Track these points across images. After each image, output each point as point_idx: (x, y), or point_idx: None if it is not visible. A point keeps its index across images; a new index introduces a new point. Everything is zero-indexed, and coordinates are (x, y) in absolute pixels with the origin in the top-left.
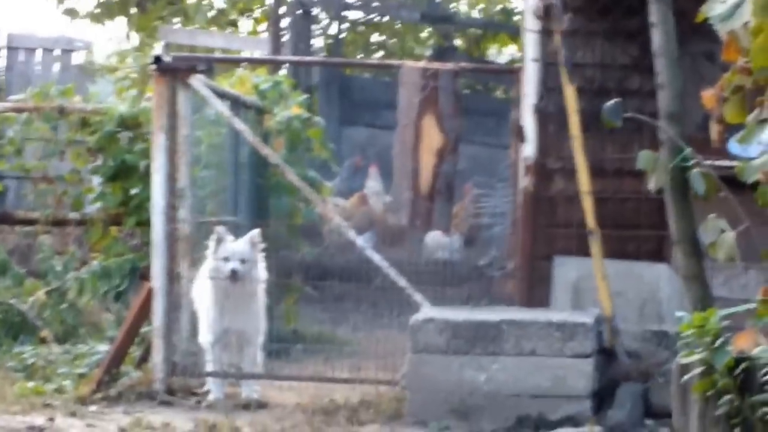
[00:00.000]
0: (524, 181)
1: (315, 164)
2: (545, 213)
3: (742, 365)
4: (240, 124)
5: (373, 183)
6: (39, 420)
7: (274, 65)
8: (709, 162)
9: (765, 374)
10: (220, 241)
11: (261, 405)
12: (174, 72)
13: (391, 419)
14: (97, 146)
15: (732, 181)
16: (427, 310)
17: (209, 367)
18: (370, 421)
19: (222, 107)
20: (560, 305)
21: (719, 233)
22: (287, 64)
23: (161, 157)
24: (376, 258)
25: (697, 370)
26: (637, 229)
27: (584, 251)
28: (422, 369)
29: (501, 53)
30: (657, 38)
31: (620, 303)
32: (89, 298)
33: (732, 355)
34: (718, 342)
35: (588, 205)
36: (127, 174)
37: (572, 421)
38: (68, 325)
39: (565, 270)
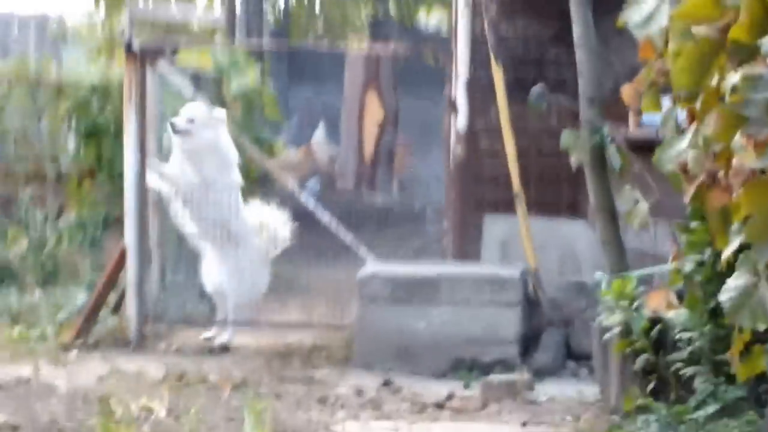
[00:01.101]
0: (456, 149)
1: (269, 124)
2: (475, 177)
3: (657, 327)
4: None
5: (319, 135)
6: (25, 371)
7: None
8: (623, 131)
9: (677, 334)
10: None
11: (225, 349)
12: (143, 56)
13: (341, 363)
14: (71, 110)
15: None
16: (372, 265)
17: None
18: (322, 365)
19: (185, 84)
20: (490, 259)
21: (634, 203)
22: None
23: (133, 129)
24: (325, 216)
25: (617, 330)
26: (557, 187)
27: (511, 210)
28: (368, 318)
29: (429, 17)
30: (576, 32)
31: (542, 256)
32: (67, 246)
33: (646, 317)
34: (635, 305)
35: (514, 172)
36: (98, 134)
37: (502, 363)
38: (48, 271)
39: (494, 227)
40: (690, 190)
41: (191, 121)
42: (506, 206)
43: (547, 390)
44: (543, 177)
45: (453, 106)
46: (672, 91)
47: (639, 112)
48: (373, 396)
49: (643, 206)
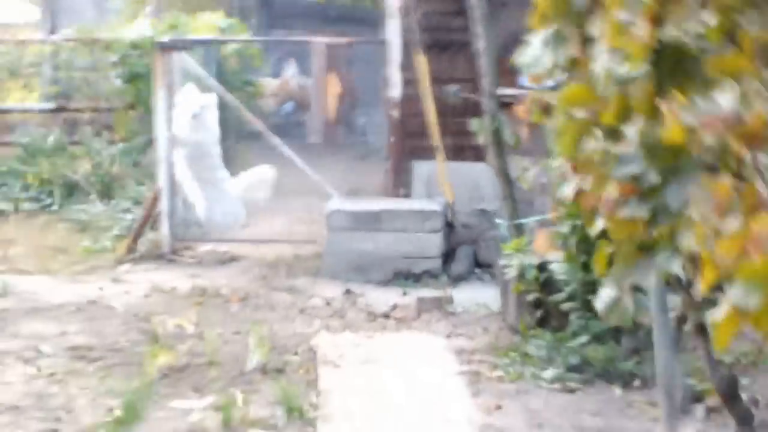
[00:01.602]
0: (393, 112)
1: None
2: (407, 133)
3: (544, 274)
4: (209, 79)
5: (291, 71)
6: (92, 290)
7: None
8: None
9: (558, 279)
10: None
11: (233, 258)
12: (169, 49)
13: (314, 274)
14: (117, 61)
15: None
16: (336, 202)
17: None
18: (300, 275)
19: (200, 71)
20: (418, 192)
21: (523, 170)
22: None
23: (162, 102)
24: (295, 158)
25: (514, 274)
26: (464, 139)
27: (433, 156)
28: (333, 241)
29: None
30: (481, 45)
31: (456, 190)
32: (118, 166)
33: (535, 265)
34: (527, 255)
35: (434, 129)
36: (137, 78)
37: (429, 273)
38: (105, 186)
39: (420, 169)
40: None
41: (202, 107)
42: (429, 154)
43: (462, 296)
44: (455, 132)
45: (388, 81)
46: None
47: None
48: (339, 307)
49: (531, 173)
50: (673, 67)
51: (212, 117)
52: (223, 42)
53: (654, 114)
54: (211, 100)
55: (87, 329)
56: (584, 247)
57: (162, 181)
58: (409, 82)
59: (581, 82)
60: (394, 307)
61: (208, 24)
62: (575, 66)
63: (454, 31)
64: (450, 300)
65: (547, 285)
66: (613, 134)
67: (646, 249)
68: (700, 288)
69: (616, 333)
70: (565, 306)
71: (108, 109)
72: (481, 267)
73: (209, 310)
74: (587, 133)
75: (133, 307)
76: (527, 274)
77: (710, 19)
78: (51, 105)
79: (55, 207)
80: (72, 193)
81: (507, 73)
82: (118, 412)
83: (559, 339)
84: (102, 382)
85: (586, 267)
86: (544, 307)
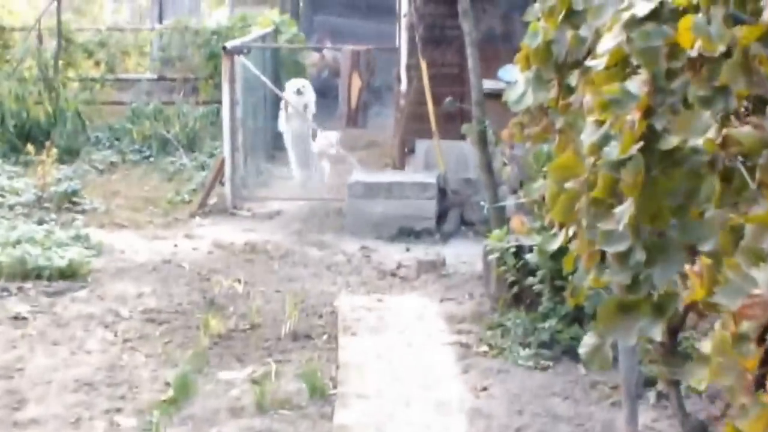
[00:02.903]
0: (400, 103)
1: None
2: (411, 118)
3: (521, 261)
4: (262, 77)
5: (327, 47)
6: (168, 247)
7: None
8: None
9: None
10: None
11: (278, 212)
12: (232, 52)
13: (338, 230)
14: (201, 44)
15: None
16: (356, 174)
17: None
18: (328, 230)
19: (255, 71)
20: (418, 163)
21: (503, 165)
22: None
23: (227, 94)
24: (332, 136)
25: (495, 257)
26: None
27: (431, 136)
28: (353, 205)
29: None
30: (470, 63)
31: (448, 160)
32: (200, 125)
33: (513, 251)
34: (507, 246)
35: (432, 118)
36: (215, 57)
37: (426, 230)
38: (191, 141)
39: (421, 146)
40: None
41: (303, 86)
42: (428, 134)
43: (452, 252)
44: (448, 118)
45: (398, 78)
46: None
47: (511, 146)
48: (356, 264)
49: (508, 169)
50: (663, 156)
51: (309, 96)
52: (274, 47)
53: (641, 195)
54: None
55: (159, 291)
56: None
57: (226, 151)
58: (413, 79)
59: (565, 144)
60: (399, 266)
61: (266, 19)
62: (556, 107)
63: (447, 29)
64: (443, 263)
65: (522, 268)
66: (602, 204)
67: (627, 309)
68: None
69: (581, 315)
70: (537, 288)
71: (195, 78)
72: (467, 225)
73: (256, 267)
74: (577, 200)
75: (198, 266)
76: (506, 260)
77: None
78: (154, 76)
79: (152, 159)
80: (166, 147)
81: (490, 60)
82: (171, 391)
83: (532, 319)
84: (164, 349)
85: (554, 257)
86: (520, 286)
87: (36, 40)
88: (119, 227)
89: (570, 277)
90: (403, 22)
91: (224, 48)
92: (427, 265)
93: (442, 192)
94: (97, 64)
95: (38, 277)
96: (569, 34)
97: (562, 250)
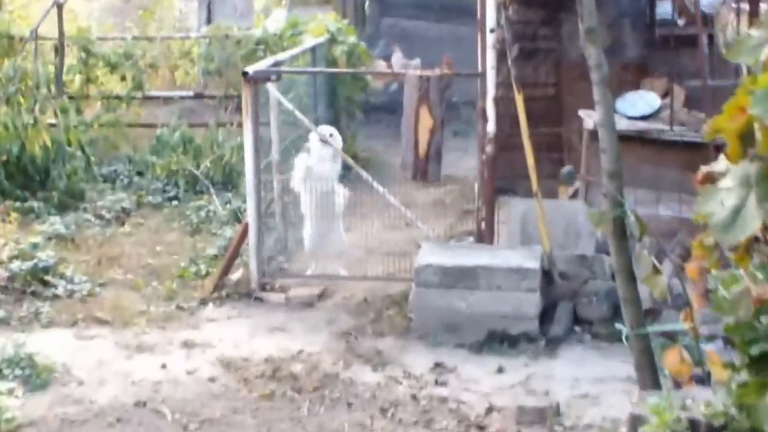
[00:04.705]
0: (488, 149)
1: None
2: (504, 167)
3: None
4: (290, 106)
5: (396, 55)
6: (151, 370)
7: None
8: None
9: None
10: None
11: (320, 296)
12: (255, 79)
13: (401, 334)
14: (245, 55)
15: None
16: (426, 251)
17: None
18: (388, 331)
19: (286, 102)
20: (513, 231)
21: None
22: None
23: (250, 137)
24: (391, 198)
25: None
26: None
27: (528, 194)
28: (423, 299)
29: None
30: (599, 113)
31: (551, 227)
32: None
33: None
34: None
35: (533, 175)
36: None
37: (525, 335)
38: (227, 177)
39: (516, 208)
40: None
41: (331, 134)
42: (525, 190)
43: (566, 374)
44: (550, 174)
45: (482, 114)
46: None
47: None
48: (425, 405)
49: (662, 279)
50: None
51: (336, 151)
52: (315, 73)
53: None
54: (335, 133)
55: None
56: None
57: (251, 214)
58: (503, 117)
59: None
60: (489, 410)
61: (319, 26)
62: None
63: (539, 39)
64: (556, 410)
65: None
66: None
67: None
68: None
69: None
70: None
71: (238, 96)
72: (581, 323)
73: (275, 413)
74: None
75: (187, 412)
76: None
77: None
78: (190, 93)
79: (176, 201)
80: (196, 185)
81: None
82: None
83: None
84: None
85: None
86: None
87: (33, 54)
88: (97, 324)
89: None
90: (489, 37)
91: (244, 74)
92: (532, 414)
93: (547, 277)
94: (123, 79)
95: None
96: None
97: None
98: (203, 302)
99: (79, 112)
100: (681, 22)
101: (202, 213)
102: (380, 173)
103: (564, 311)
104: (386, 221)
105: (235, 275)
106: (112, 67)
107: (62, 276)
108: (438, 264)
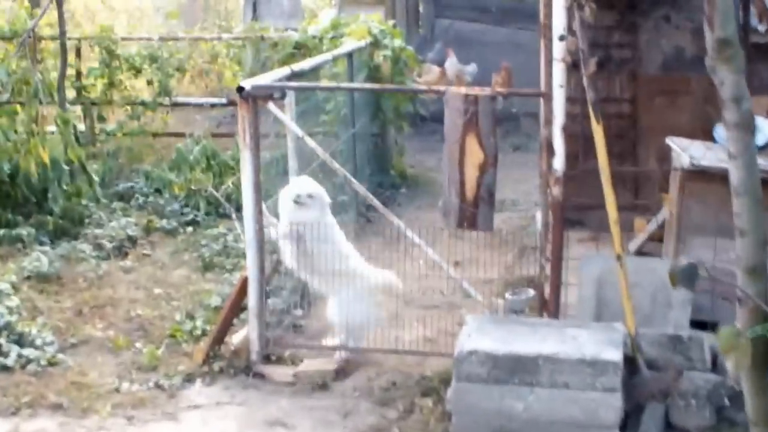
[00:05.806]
0: (554, 190)
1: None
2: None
3: None
4: (300, 131)
5: (450, 61)
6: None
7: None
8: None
9: None
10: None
11: (336, 376)
12: (253, 97)
13: None
14: (283, 59)
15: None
16: (470, 333)
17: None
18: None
19: (293, 126)
20: (586, 296)
21: None
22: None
23: (249, 170)
24: (429, 251)
25: None
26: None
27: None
28: (466, 396)
29: None
30: (736, 174)
31: (635, 293)
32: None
33: None
34: None
35: (615, 233)
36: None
37: None
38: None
39: (590, 266)
40: None
41: (310, 195)
42: (596, 224)
43: None
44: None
45: (548, 146)
46: None
47: None
48: None
49: None
50: None
51: (329, 217)
52: (325, 89)
53: None
54: (318, 189)
55: None
56: None
57: (251, 268)
58: (573, 151)
59: None
60: None
61: (362, 27)
62: None
63: (613, 48)
64: None
65: None
66: None
67: None
68: None
69: None
70: None
71: None
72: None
73: None
74: None
75: None
76: None
77: None
78: (222, 100)
79: (193, 227)
80: (218, 207)
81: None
82: None
83: None
84: None
85: None
86: None
87: (29, 57)
88: (47, 411)
89: None
90: (557, 48)
91: (239, 89)
92: None
93: (631, 366)
94: (150, 83)
95: None
96: None
97: None
98: (189, 378)
99: (101, 119)
100: (761, 27)
101: (219, 243)
102: (427, 194)
103: (652, 416)
104: (428, 260)
105: (238, 337)
106: (137, 71)
107: (21, 337)
108: (486, 351)
